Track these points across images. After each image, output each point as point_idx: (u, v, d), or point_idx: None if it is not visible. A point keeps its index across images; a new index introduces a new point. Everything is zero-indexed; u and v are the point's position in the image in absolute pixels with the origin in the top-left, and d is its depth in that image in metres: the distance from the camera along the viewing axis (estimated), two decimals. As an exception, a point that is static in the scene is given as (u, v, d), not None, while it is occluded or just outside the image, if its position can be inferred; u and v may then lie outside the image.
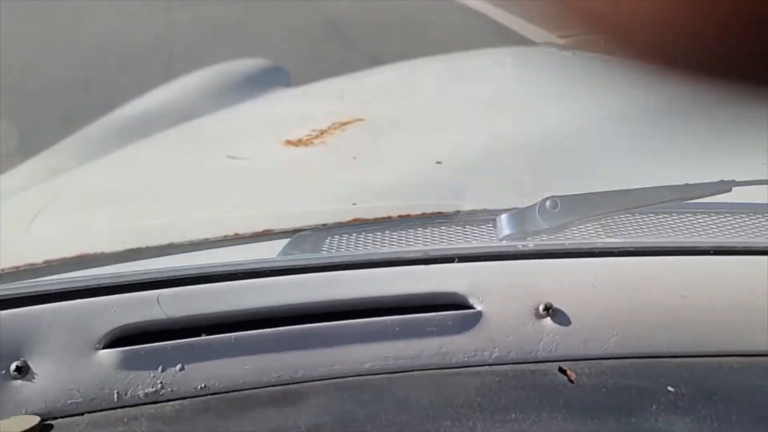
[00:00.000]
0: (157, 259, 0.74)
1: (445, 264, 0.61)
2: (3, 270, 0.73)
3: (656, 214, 0.78)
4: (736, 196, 0.71)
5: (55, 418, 0.54)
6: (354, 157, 1.03)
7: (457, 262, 0.61)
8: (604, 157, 0.99)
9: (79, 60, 4.29)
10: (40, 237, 0.83)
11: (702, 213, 0.77)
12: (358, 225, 0.81)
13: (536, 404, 0.53)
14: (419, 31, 4.33)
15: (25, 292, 0.56)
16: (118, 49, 4.43)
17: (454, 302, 0.59)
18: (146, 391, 0.55)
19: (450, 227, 0.79)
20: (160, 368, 0.55)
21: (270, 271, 0.60)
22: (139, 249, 0.76)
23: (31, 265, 0.74)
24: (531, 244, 0.65)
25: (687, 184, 0.71)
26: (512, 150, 1.03)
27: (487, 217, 0.79)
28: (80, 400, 0.54)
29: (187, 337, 0.56)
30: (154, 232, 0.80)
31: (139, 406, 0.54)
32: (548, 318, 0.59)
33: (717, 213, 0.77)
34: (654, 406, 0.53)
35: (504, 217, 0.70)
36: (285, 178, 0.97)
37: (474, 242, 0.73)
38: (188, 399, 0.55)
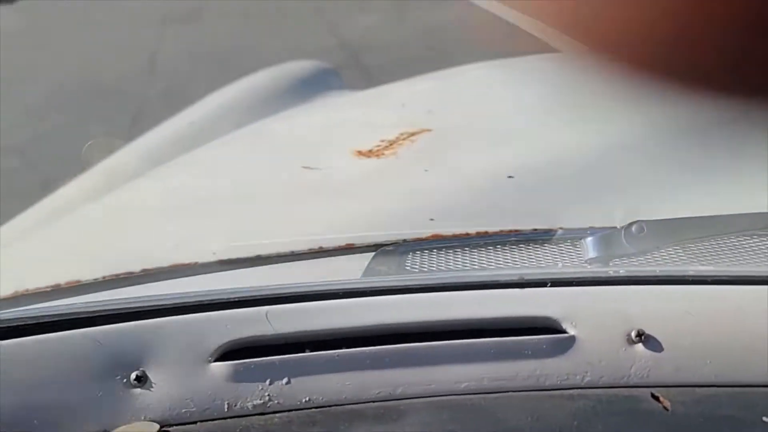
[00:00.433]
0: (249, 269, 0.78)
1: (539, 288, 0.63)
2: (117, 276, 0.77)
3: (736, 236, 0.79)
4: None
5: (171, 425, 0.57)
6: (426, 170, 1.05)
7: (550, 286, 0.63)
8: (686, 172, 0.97)
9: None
10: (133, 248, 0.86)
11: None
12: (438, 241, 0.83)
13: (633, 431, 0.54)
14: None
15: (146, 306, 0.60)
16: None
17: (547, 326, 0.61)
18: (255, 402, 0.58)
19: (529, 246, 0.81)
20: (267, 381, 0.58)
21: (371, 290, 0.62)
22: (230, 260, 0.80)
23: (144, 271, 0.78)
24: (622, 270, 0.66)
25: None
26: (584, 163, 1.03)
27: (566, 236, 0.80)
28: (194, 409, 0.57)
29: (292, 352, 0.59)
30: (241, 243, 0.83)
31: (248, 417, 0.57)
32: (640, 344, 0.60)
33: None
34: None
35: (590, 240, 0.72)
36: (360, 190, 1.00)
37: (559, 264, 0.74)
38: (294, 411, 0.58)
